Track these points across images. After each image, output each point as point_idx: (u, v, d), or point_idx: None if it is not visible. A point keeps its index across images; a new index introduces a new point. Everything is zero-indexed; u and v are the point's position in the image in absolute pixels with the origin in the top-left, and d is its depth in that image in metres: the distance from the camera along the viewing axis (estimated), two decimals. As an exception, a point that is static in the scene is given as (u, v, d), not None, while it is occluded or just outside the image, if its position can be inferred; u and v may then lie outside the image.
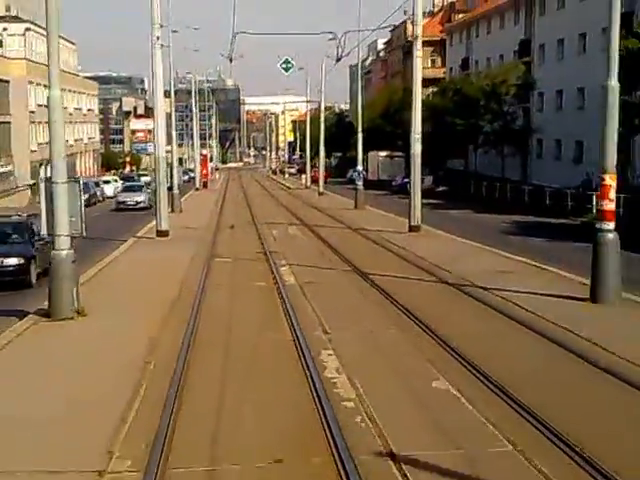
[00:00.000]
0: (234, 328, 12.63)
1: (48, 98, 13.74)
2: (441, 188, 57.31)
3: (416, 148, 27.46)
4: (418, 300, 14.45)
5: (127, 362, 10.37)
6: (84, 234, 14.36)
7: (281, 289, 15.91)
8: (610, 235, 13.94)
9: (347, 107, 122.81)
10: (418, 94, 27.38)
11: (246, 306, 14.56)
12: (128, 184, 55.83)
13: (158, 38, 27.81)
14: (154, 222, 28.44)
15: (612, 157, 14.05)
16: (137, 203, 46.66)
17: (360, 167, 41.97)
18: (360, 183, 41.10)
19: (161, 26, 28.51)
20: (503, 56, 63.50)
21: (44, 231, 14.09)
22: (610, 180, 13.95)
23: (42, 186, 14.13)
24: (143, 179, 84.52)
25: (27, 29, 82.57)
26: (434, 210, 42.94)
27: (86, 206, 17.53)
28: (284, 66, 39.00)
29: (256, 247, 23.85)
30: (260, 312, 13.89)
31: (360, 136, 41.52)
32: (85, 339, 12.09)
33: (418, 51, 27.35)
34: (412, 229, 27.36)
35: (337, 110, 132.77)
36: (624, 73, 35.21)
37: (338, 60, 36.58)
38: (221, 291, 16.23)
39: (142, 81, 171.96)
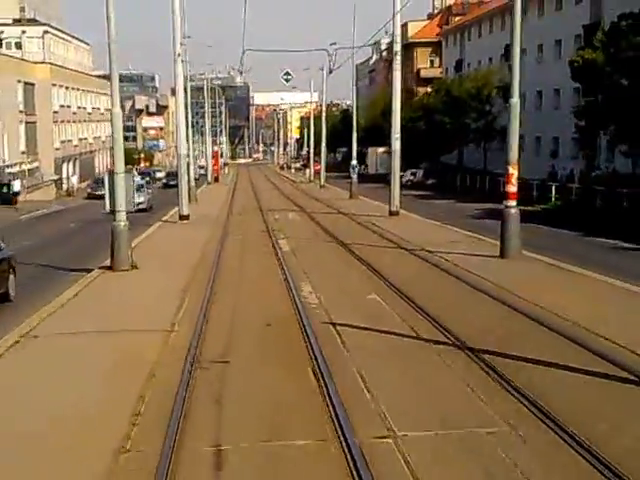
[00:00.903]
0: (243, 274, 18.26)
1: (111, 114, 19.32)
2: (430, 181, 62.76)
3: (395, 146, 32.93)
4: (376, 258, 19.87)
5: (173, 291, 15.82)
6: (134, 210, 20.03)
7: (278, 252, 21.45)
8: (513, 210, 19.35)
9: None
10: (397, 102, 32.78)
11: (252, 260, 20.33)
12: None
13: (179, 55, 33.34)
14: (175, 209, 34.21)
15: (514, 153, 19.44)
16: (136, 205, 44.79)
17: (355, 162, 47.63)
18: (354, 176, 46.76)
19: (181, 44, 34.09)
20: (492, 59, 68.84)
21: (107, 208, 19.64)
22: (512, 170, 19.36)
23: (106, 176, 19.74)
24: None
25: (45, 32, 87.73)
26: (420, 200, 48.42)
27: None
28: (285, 78, 44.77)
29: (261, 227, 29.40)
30: (262, 264, 19.50)
31: (355, 135, 47.39)
32: (142, 280, 17.71)
33: (397, 65, 32.85)
34: (392, 214, 32.82)
35: (344, 106, 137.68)
36: (583, 79, 40.67)
37: (330, 72, 42.38)
38: (233, 254, 21.81)
39: (152, 79, 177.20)
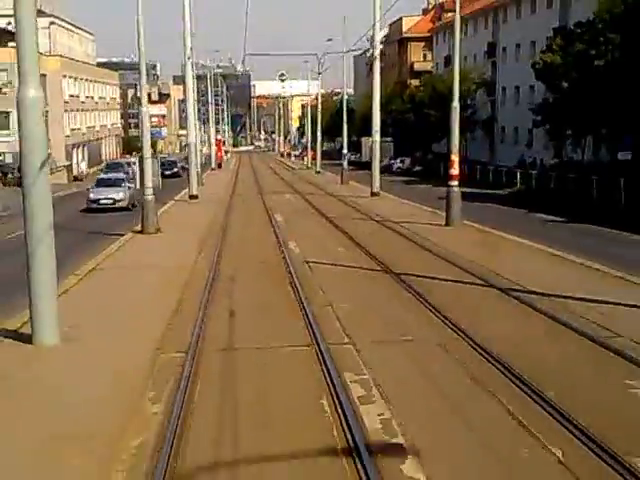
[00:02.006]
0: (245, 235, 23.82)
1: (139, 112, 24.74)
2: (417, 168, 68.27)
3: (375, 137, 38.41)
4: (350, 226, 25.25)
5: (192, 245, 21.23)
6: (160, 187, 25.52)
7: (273, 223, 26.90)
8: (455, 189, 24.77)
9: (352, 92, 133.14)
10: (376, 100, 38.15)
11: (252, 227, 25.96)
12: (103, 177, 42.20)
13: (189, 58, 38.64)
14: (186, 190, 39.75)
15: (455, 144, 24.80)
16: (114, 202, 36.54)
17: (345, 150, 53.21)
18: (345, 164, 52.29)
19: (191, 49, 39.38)
20: (476, 55, 74.25)
21: (138, 186, 25.11)
22: (454, 157, 24.73)
23: (137, 160, 25.20)
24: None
25: (52, 23, 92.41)
26: (404, 184, 53.95)
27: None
28: (281, 78, 50.39)
29: (260, 206, 34.84)
30: (259, 230, 25.03)
31: (345, 127, 53.07)
32: (167, 239, 23.28)
33: (376, 68, 38.29)
34: (373, 195, 38.28)
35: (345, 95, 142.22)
36: (545, 79, 45.90)
37: (319, 74, 47.88)
38: (237, 223, 27.32)
39: (154, 67, 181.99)
